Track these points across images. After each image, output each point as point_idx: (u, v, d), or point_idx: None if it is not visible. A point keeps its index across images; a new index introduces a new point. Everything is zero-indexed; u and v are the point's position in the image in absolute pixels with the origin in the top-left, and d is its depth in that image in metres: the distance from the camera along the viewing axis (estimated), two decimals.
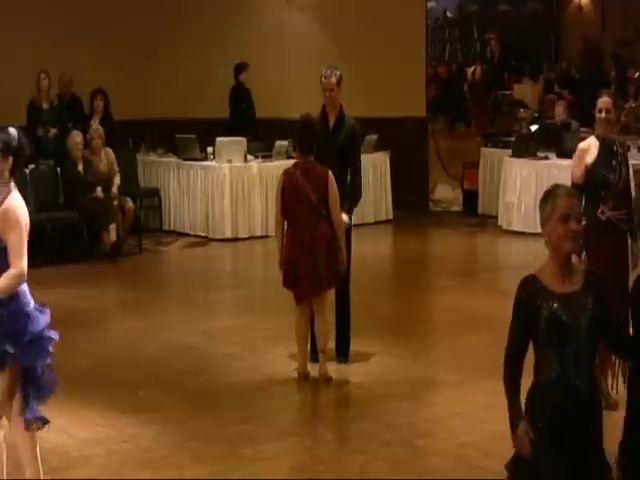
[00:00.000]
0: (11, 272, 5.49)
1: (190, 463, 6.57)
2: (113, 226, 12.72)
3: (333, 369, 8.40)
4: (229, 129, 14.72)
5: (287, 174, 8.03)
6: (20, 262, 5.47)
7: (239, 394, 7.92)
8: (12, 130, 5.66)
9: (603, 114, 7.37)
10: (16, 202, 5.59)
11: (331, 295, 8.26)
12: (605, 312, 4.42)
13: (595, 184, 7.35)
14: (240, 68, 15.14)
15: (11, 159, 5.60)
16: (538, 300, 4.39)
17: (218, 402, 7.76)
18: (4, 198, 5.55)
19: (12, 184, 5.64)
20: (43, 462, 5.99)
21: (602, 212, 7.30)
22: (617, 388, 7.36)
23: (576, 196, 4.48)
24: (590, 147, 7.41)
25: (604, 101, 7.39)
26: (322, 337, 8.12)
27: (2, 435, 5.86)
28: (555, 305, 4.36)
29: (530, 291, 4.43)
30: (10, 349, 5.51)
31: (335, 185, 7.93)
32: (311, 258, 7.89)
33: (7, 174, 5.60)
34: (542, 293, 4.40)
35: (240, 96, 15.18)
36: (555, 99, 16.47)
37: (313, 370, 8.27)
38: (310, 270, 7.90)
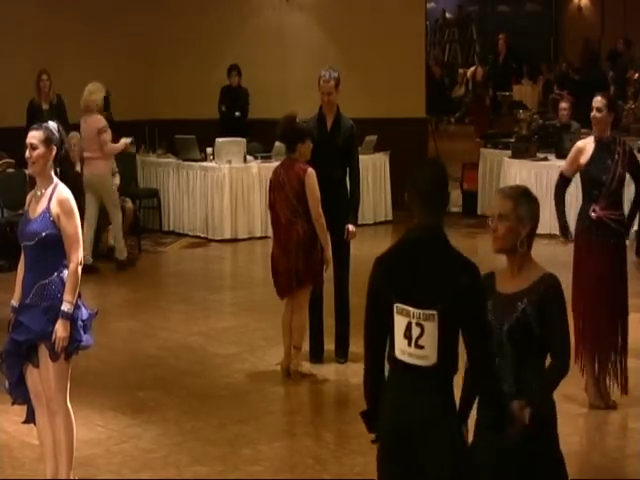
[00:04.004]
0: (71, 269, 5.65)
1: (190, 463, 6.58)
2: (112, 227, 12.72)
3: (332, 370, 8.42)
4: (221, 131, 14.71)
5: (274, 172, 8.27)
6: (76, 253, 5.67)
7: (238, 394, 7.93)
8: (52, 123, 5.83)
9: (594, 112, 7.44)
10: (67, 192, 5.77)
11: (308, 293, 8.25)
12: (529, 319, 4.33)
13: (588, 184, 7.42)
14: (229, 70, 15.14)
15: (55, 149, 5.75)
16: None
17: (218, 403, 7.77)
18: (54, 188, 5.74)
19: (54, 175, 5.80)
20: (42, 463, 6.01)
21: (593, 211, 7.35)
22: (621, 388, 7.39)
23: (507, 196, 4.44)
24: (586, 147, 7.46)
25: (595, 100, 7.45)
26: (296, 333, 8.22)
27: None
28: (489, 305, 4.37)
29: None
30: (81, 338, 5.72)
31: (315, 185, 8.01)
32: (286, 255, 8.06)
33: (52, 164, 5.76)
34: (488, 291, 4.42)
35: (223, 98, 15.19)
36: (559, 99, 16.48)
37: (314, 369, 8.32)
38: (285, 267, 8.06)
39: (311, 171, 8.02)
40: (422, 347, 4.12)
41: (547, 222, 11.34)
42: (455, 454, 4.18)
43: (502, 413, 4.30)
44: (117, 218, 12.26)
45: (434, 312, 4.09)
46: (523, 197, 4.44)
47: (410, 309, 4.13)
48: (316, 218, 8.03)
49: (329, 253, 8.14)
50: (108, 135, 12.09)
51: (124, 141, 12.29)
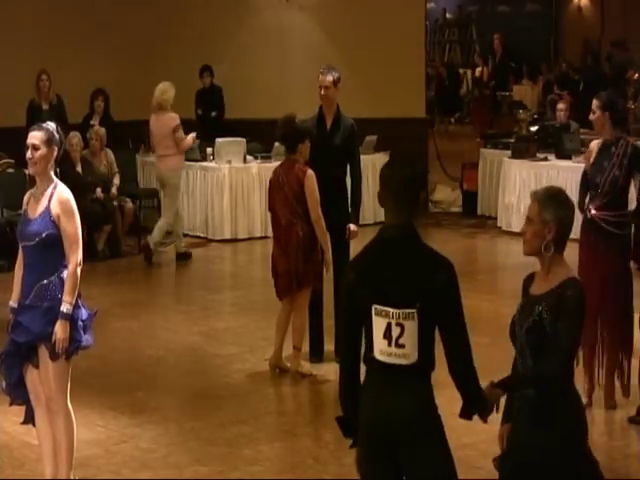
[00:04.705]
0: (70, 270, 5.65)
1: (190, 463, 6.58)
2: (107, 228, 12.72)
3: (332, 370, 8.41)
4: (200, 133, 14.66)
5: (274, 172, 8.27)
6: (75, 255, 5.67)
7: (238, 395, 7.93)
8: (51, 124, 5.85)
9: (590, 114, 7.48)
10: (68, 192, 5.77)
11: (308, 293, 8.26)
12: (544, 323, 4.31)
13: (589, 185, 7.46)
14: (201, 72, 15.07)
15: (56, 149, 5.76)
16: (521, 298, 4.52)
17: (218, 403, 7.77)
18: (54, 188, 5.75)
19: (54, 176, 5.80)
20: (42, 463, 6.01)
21: (589, 210, 7.40)
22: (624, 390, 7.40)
23: (535, 199, 4.44)
24: (594, 148, 7.51)
25: (592, 103, 7.47)
26: (296, 333, 8.23)
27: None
28: (520, 305, 4.46)
29: (523, 288, 4.55)
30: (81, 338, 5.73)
31: (314, 187, 8.01)
32: (285, 257, 8.06)
33: (52, 164, 5.77)
34: (524, 291, 4.51)
35: (199, 102, 15.12)
36: (557, 99, 16.47)
37: (314, 369, 8.33)
38: (285, 268, 8.06)
39: (310, 173, 8.01)
40: (403, 346, 4.14)
41: None
42: (437, 451, 4.20)
43: (476, 398, 4.30)
44: (170, 213, 12.57)
45: (413, 311, 4.13)
46: (551, 201, 4.40)
47: (389, 309, 4.15)
48: (315, 220, 8.02)
49: (329, 255, 8.13)
50: (182, 132, 12.44)
51: (192, 136, 12.70)
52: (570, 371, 4.39)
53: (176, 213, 12.71)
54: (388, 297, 4.15)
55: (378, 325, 4.17)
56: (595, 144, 7.53)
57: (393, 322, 4.14)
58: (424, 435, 4.17)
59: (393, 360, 4.16)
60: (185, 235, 14.10)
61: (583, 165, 7.86)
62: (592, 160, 7.46)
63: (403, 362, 4.15)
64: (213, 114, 15.07)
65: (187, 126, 14.52)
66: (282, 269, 8.09)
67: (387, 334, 4.15)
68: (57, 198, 5.70)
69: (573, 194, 7.96)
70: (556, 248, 4.41)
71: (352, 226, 8.46)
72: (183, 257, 12.71)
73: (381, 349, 4.18)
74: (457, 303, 4.23)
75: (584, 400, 7.33)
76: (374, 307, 4.17)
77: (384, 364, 4.18)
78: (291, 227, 8.02)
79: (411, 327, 4.13)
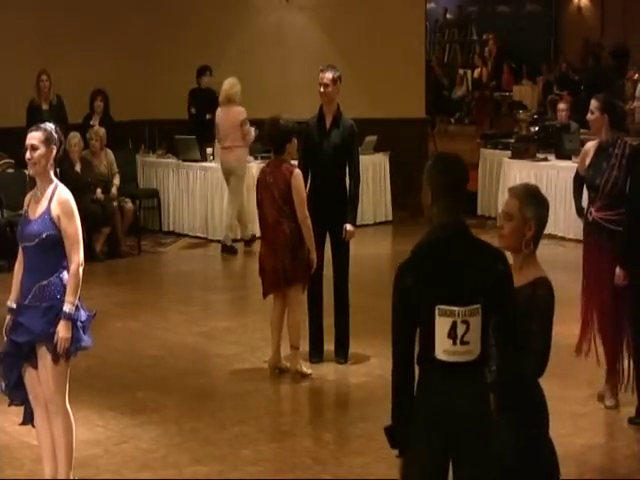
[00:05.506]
0: (72, 270, 5.65)
1: (189, 463, 6.58)
2: (106, 230, 12.71)
3: (332, 370, 8.42)
4: (188, 131, 14.61)
5: (261, 171, 8.29)
6: (77, 255, 5.67)
7: (238, 395, 7.92)
8: (49, 124, 5.86)
9: (588, 114, 7.48)
10: (68, 193, 5.77)
11: (301, 291, 8.27)
12: (509, 315, 4.30)
13: (587, 186, 7.51)
14: (201, 71, 15.01)
15: (55, 149, 5.76)
16: None
17: (217, 403, 7.77)
18: (54, 189, 5.74)
19: (54, 176, 5.80)
20: (41, 464, 6.00)
21: (590, 212, 7.40)
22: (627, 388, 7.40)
23: (514, 196, 4.49)
24: (590, 149, 7.49)
25: (591, 103, 7.48)
26: (292, 332, 8.24)
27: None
28: None
29: None
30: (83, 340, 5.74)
31: (301, 187, 8.03)
32: (272, 255, 8.07)
33: (52, 164, 5.77)
34: None
35: (194, 100, 15.02)
36: (558, 99, 16.48)
37: (314, 369, 8.33)
38: (273, 266, 8.07)
39: (297, 172, 8.02)
40: (467, 343, 4.13)
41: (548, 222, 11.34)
42: (492, 447, 4.21)
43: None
44: (235, 204, 13.05)
45: (478, 306, 4.12)
46: (531, 198, 4.44)
47: (455, 308, 4.11)
48: (302, 220, 8.02)
49: (314, 255, 8.12)
50: (249, 126, 13.01)
51: (253, 128, 13.18)
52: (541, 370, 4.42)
53: (241, 205, 13.14)
54: (453, 296, 4.12)
55: (442, 325, 4.13)
56: (591, 146, 7.51)
57: (459, 320, 4.12)
58: (483, 431, 4.17)
59: (458, 358, 4.13)
60: (185, 235, 14.14)
61: None
62: (588, 162, 7.44)
63: (467, 358, 4.13)
64: (208, 116, 14.93)
65: (183, 127, 14.62)
66: (270, 267, 8.10)
67: (452, 333, 4.12)
68: (57, 199, 5.70)
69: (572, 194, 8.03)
70: (533, 246, 4.44)
71: (348, 226, 8.42)
72: (250, 242, 13.13)
73: (445, 349, 4.13)
74: (513, 290, 4.25)
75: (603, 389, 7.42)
76: (438, 308, 4.12)
77: (445, 363, 4.14)
78: (278, 226, 8.03)
79: (475, 323, 4.13)
